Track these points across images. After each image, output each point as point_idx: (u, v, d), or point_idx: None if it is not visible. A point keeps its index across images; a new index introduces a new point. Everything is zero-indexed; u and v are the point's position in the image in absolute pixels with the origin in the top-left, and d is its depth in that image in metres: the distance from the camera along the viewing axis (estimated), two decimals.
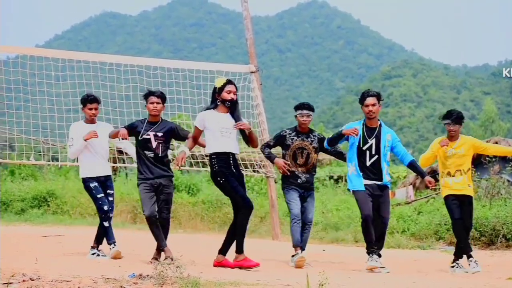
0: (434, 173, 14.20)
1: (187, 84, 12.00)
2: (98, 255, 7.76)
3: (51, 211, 16.33)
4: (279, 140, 7.99)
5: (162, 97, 7.46)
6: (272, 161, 8.05)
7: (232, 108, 6.98)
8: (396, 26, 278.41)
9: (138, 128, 7.38)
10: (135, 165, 7.93)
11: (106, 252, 7.85)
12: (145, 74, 12.07)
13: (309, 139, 7.92)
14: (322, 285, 4.85)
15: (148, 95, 7.44)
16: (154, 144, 7.34)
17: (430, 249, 11.31)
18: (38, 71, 11.29)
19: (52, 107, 11.29)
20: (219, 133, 6.88)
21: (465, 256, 7.65)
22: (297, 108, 7.97)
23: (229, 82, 7.00)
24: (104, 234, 7.79)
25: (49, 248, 8.77)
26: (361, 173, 7.39)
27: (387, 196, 7.55)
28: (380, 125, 7.52)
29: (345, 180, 18.88)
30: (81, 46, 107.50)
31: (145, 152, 7.34)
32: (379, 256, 7.44)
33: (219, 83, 6.97)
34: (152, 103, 7.38)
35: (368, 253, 7.38)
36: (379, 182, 7.42)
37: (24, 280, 5.04)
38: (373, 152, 7.40)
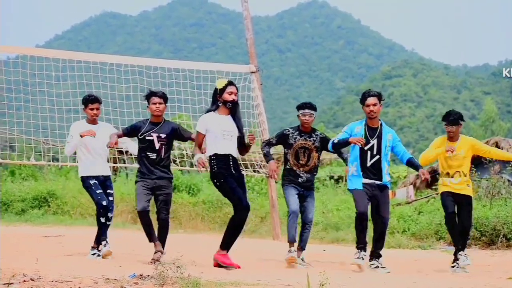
0: (434, 173, 14.19)
1: (187, 84, 12.00)
2: (99, 255, 7.76)
3: (51, 212, 16.34)
4: (282, 138, 7.97)
5: (164, 97, 7.46)
6: (267, 161, 7.97)
7: (233, 109, 6.98)
8: (396, 26, 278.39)
9: (141, 129, 7.38)
10: (135, 165, 7.95)
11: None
12: (145, 74, 12.07)
13: (311, 138, 7.91)
14: (322, 285, 4.85)
15: (150, 95, 7.44)
16: (157, 145, 7.35)
17: (431, 249, 11.32)
18: (38, 71, 11.30)
19: (52, 107, 11.29)
20: (221, 136, 6.88)
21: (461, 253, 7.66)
22: (299, 107, 7.95)
23: (230, 83, 7.00)
24: (99, 229, 7.79)
25: (50, 249, 8.78)
26: (361, 173, 7.39)
27: (387, 196, 7.56)
28: (381, 124, 7.52)
29: (346, 180, 18.88)
30: (81, 46, 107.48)
31: (148, 153, 7.34)
32: (379, 257, 7.46)
33: (220, 84, 6.97)
34: (155, 103, 7.38)
35: (357, 248, 7.41)
36: (378, 182, 7.43)
37: (24, 281, 5.04)
38: (375, 152, 7.40)
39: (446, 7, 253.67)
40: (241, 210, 6.81)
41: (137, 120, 8.76)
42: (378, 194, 7.44)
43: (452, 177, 7.68)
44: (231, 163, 6.92)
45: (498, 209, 11.91)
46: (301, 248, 7.89)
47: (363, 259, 7.39)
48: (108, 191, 7.92)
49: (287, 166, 7.93)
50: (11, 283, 4.89)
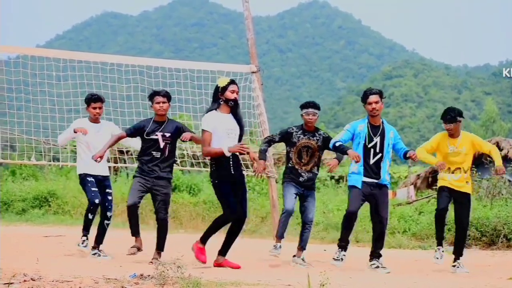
0: (435, 173, 14.20)
1: (188, 84, 11.99)
2: (99, 255, 7.77)
3: (52, 211, 16.33)
4: (285, 136, 7.95)
5: (168, 96, 7.47)
6: (259, 157, 7.60)
7: (235, 108, 6.98)
8: (397, 26, 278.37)
9: (145, 128, 7.38)
10: (136, 165, 7.93)
11: (107, 252, 7.86)
12: (146, 74, 12.05)
13: (315, 138, 7.90)
14: (323, 285, 4.85)
15: (153, 95, 7.45)
16: (162, 144, 7.35)
17: (431, 249, 11.28)
18: (39, 71, 11.29)
19: (53, 107, 11.29)
20: (225, 135, 6.85)
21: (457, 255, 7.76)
22: (303, 106, 7.94)
23: (232, 81, 6.99)
24: (84, 224, 7.87)
25: (50, 248, 8.78)
26: (362, 172, 7.39)
27: (386, 196, 7.55)
28: (383, 122, 7.53)
29: (346, 180, 18.88)
30: (82, 46, 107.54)
31: (152, 152, 7.34)
32: (379, 256, 7.45)
33: (222, 82, 6.95)
34: (158, 102, 7.39)
35: (338, 246, 7.45)
36: (378, 181, 7.43)
37: (25, 280, 5.05)
38: (377, 150, 7.40)
39: (447, 7, 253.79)
40: (228, 215, 6.87)
41: (137, 120, 8.76)
42: (377, 193, 7.44)
43: (453, 173, 7.68)
44: (231, 162, 6.90)
45: (499, 210, 11.91)
46: (302, 248, 7.90)
47: (342, 260, 7.39)
48: (107, 190, 7.95)
49: (289, 165, 7.93)
50: (11, 283, 4.90)
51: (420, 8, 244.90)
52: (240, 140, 7.02)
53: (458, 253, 7.78)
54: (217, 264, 7.00)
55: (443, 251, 7.76)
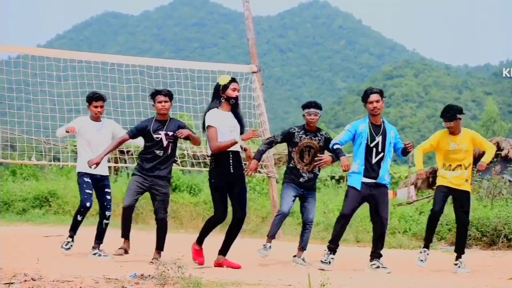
0: (435, 173, 14.18)
1: (189, 84, 12.01)
2: (100, 255, 7.77)
3: (52, 211, 16.31)
4: (287, 137, 7.94)
5: (170, 95, 7.47)
6: (255, 156, 7.73)
7: (235, 106, 6.98)
8: (397, 26, 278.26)
9: (148, 127, 7.38)
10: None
11: (107, 252, 7.86)
12: (147, 74, 12.07)
13: (317, 138, 7.90)
14: (323, 285, 4.85)
15: (155, 94, 7.45)
16: (165, 143, 7.35)
17: (432, 249, 11.27)
18: (39, 71, 11.31)
19: (53, 107, 11.30)
20: (228, 132, 6.85)
21: (455, 254, 7.78)
22: (304, 106, 7.94)
23: (233, 79, 7.00)
24: (72, 224, 7.93)
25: (51, 248, 8.77)
26: (363, 172, 7.38)
27: (386, 196, 7.53)
28: (383, 121, 7.52)
29: (347, 180, 18.90)
30: (83, 46, 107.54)
31: (155, 150, 7.34)
32: (379, 257, 7.45)
33: (224, 80, 6.94)
34: (160, 102, 7.39)
35: (328, 248, 7.45)
36: (378, 181, 7.42)
37: (25, 280, 5.05)
38: (379, 150, 7.39)
39: (447, 7, 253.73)
40: (219, 216, 6.95)
41: (138, 120, 8.77)
42: (377, 193, 7.41)
43: (453, 170, 7.67)
44: (231, 161, 6.90)
45: (499, 210, 11.90)
46: (302, 248, 7.90)
47: (329, 263, 7.37)
48: (106, 190, 7.95)
49: (290, 165, 7.92)
50: (12, 283, 4.90)
51: (421, 8, 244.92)
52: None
53: (460, 251, 7.79)
54: (218, 264, 7.00)
55: (428, 254, 7.79)
